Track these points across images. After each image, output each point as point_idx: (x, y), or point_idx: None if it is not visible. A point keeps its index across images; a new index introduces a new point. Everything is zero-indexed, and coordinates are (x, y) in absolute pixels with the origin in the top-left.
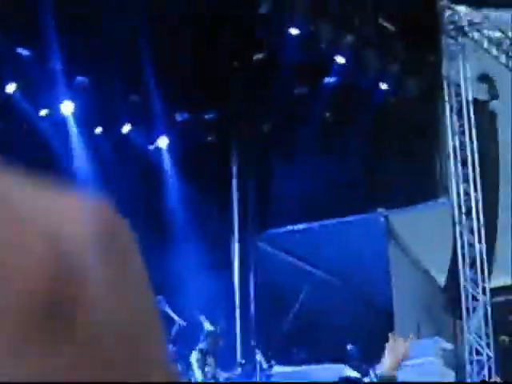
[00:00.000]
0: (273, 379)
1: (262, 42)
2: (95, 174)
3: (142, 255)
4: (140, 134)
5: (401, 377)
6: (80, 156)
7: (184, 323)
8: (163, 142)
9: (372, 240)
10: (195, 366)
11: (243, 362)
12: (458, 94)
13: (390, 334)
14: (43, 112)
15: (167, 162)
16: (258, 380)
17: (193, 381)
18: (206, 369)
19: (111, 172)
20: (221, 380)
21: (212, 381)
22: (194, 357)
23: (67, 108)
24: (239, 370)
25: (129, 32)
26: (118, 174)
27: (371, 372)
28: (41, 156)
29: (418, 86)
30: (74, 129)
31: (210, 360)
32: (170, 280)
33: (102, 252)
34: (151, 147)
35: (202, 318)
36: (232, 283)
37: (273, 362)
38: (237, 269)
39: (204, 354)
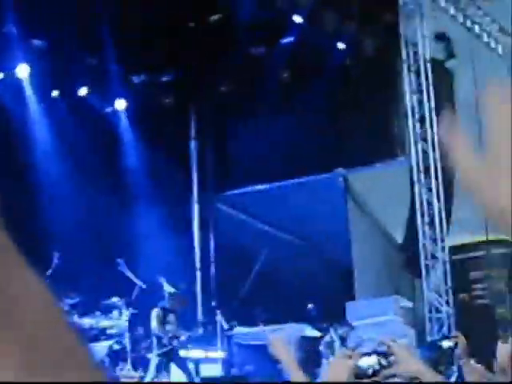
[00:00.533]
0: (234, 339)
1: (218, 2)
2: (52, 137)
3: (103, 219)
4: (97, 96)
5: (361, 335)
6: (37, 119)
7: (144, 286)
8: (120, 104)
9: (331, 200)
10: (155, 321)
11: (204, 320)
12: (416, 53)
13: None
14: None
15: (125, 124)
16: (219, 341)
17: (154, 339)
18: (167, 327)
19: (68, 135)
20: (182, 339)
21: (174, 340)
22: (155, 313)
23: (23, 71)
24: (200, 330)
25: None
26: (76, 137)
27: (331, 330)
28: None
29: (375, 45)
30: (30, 92)
31: (171, 318)
32: (129, 243)
33: None
34: (108, 110)
35: (162, 280)
36: (192, 245)
37: (234, 323)
38: (196, 230)
39: (164, 311)
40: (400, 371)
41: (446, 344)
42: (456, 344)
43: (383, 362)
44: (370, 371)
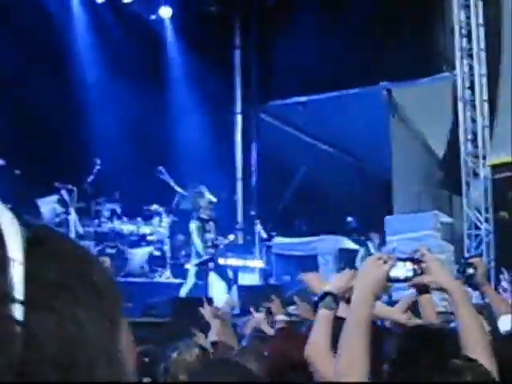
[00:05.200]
0: (273, 249)
1: None
2: (96, 43)
3: (145, 126)
4: (142, 3)
5: (400, 248)
6: (81, 25)
7: (185, 193)
8: (165, 11)
9: (374, 113)
10: (195, 234)
11: (244, 228)
12: None
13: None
14: None
15: (169, 32)
16: (257, 250)
17: (192, 249)
18: (207, 236)
19: (113, 42)
20: (221, 246)
21: (211, 247)
22: (193, 225)
23: None
24: (240, 238)
25: None
26: (120, 44)
27: (369, 243)
28: (43, 23)
29: None
30: None
31: (211, 227)
32: (171, 150)
33: None
34: (153, 17)
35: (204, 189)
36: (234, 154)
37: (273, 233)
38: (239, 140)
39: (202, 221)
40: (429, 280)
41: (467, 271)
42: (475, 270)
43: (417, 269)
44: (402, 277)
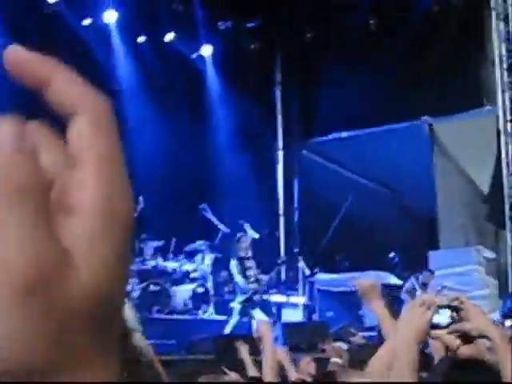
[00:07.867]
0: (316, 285)
1: None
2: (138, 82)
3: (188, 163)
4: (183, 42)
5: (444, 284)
6: (123, 64)
7: (227, 230)
8: (207, 50)
9: (417, 148)
10: (235, 271)
11: (284, 259)
12: (505, 1)
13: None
14: (86, 21)
15: (210, 70)
16: (301, 286)
17: (236, 287)
18: (248, 273)
19: (154, 80)
20: (263, 283)
21: (255, 284)
22: (233, 263)
23: (111, 17)
24: (283, 274)
25: None
26: (162, 82)
27: (412, 278)
28: (84, 65)
29: None
30: (117, 38)
31: (251, 264)
32: (214, 188)
33: None
34: (194, 55)
35: (246, 225)
36: (276, 191)
37: (316, 270)
38: (281, 177)
39: (241, 260)
40: (468, 328)
41: None
42: None
43: (455, 316)
44: (442, 324)
